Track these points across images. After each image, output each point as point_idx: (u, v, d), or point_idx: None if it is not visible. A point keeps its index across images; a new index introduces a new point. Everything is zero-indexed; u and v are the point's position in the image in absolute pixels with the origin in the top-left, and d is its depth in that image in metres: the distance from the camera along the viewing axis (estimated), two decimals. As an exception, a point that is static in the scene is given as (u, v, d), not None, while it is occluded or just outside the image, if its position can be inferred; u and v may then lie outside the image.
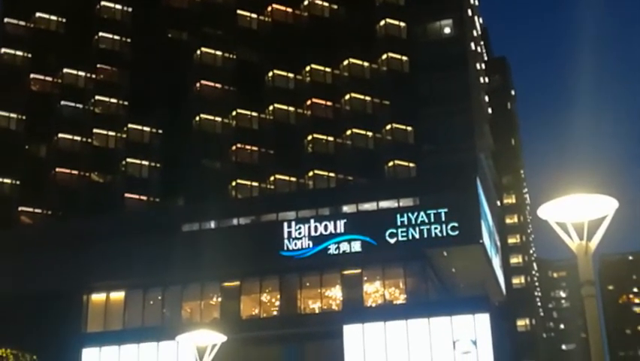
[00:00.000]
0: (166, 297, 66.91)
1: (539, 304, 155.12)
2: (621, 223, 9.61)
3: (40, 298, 62.09)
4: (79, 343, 63.51)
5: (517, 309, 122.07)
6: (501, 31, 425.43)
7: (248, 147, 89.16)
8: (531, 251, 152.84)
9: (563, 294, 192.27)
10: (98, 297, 67.87)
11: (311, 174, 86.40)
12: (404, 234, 63.63)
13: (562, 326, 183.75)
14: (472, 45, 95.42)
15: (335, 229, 64.97)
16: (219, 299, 65.92)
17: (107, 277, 66.49)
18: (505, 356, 67.85)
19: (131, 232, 68.14)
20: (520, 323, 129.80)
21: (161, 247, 65.26)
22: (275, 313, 65.46)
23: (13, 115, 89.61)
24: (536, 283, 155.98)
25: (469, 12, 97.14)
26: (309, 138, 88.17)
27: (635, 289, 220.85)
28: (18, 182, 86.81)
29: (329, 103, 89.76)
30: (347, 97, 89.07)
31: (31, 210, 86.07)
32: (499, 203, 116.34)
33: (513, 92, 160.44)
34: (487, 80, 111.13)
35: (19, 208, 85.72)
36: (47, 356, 47.88)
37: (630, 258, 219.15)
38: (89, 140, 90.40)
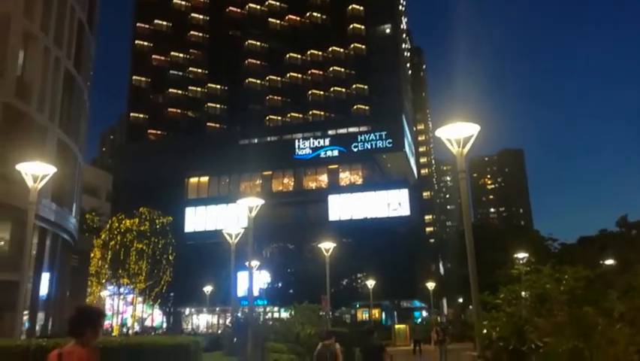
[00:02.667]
0: (230, 180, 67.29)
1: (435, 183, 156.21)
2: (482, 137, 9.55)
3: (160, 182, 62.39)
4: (183, 205, 64.37)
5: (423, 186, 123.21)
6: (419, 25, 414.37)
7: (275, 97, 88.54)
8: (432, 155, 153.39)
9: (448, 178, 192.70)
10: (193, 180, 68.25)
11: (311, 112, 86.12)
12: (362, 146, 63.73)
13: (447, 196, 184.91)
14: (402, 38, 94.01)
15: (324, 143, 65.02)
16: (260, 181, 66.33)
17: (198, 169, 66.77)
18: (416, 212, 68.55)
19: (211, 144, 68.30)
20: (425, 194, 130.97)
21: (227, 152, 65.34)
22: (290, 189, 66.03)
23: (143, 78, 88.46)
24: (434, 172, 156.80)
25: (401, 18, 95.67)
26: (310, 92, 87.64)
27: (489, 176, 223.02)
28: (147, 116, 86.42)
29: (321, 72, 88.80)
30: (331, 69, 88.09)
31: (154, 132, 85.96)
32: (414, 128, 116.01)
33: (424, 66, 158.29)
34: (409, 57, 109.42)
35: (148, 131, 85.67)
36: (167, 212, 48.23)
37: (486, 158, 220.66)
38: (186, 93, 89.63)
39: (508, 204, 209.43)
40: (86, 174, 36.28)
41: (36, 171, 12.16)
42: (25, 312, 19.30)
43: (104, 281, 45.41)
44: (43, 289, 24.94)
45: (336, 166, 65.02)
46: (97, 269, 44.24)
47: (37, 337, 19.88)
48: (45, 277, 25.06)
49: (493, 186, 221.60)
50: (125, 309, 49.50)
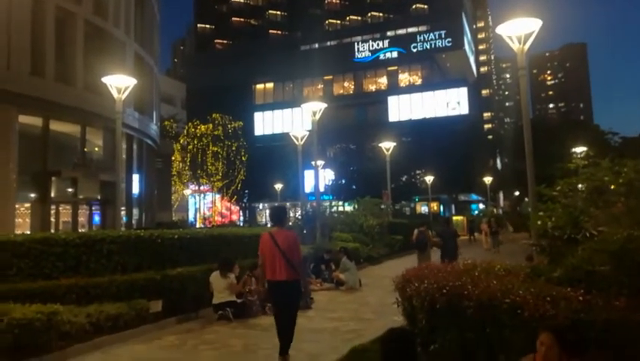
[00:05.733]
0: (294, 85, 66.99)
1: (494, 81, 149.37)
2: (544, 32, 8.93)
3: (229, 89, 63.03)
4: (252, 109, 65.09)
5: (482, 84, 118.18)
6: None
7: (334, 0, 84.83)
8: (491, 52, 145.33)
9: (508, 75, 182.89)
10: (260, 86, 68.40)
11: (369, 14, 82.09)
12: (421, 46, 61.12)
13: (507, 93, 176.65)
14: None
15: (383, 45, 62.78)
16: (322, 86, 65.63)
17: (264, 75, 66.60)
18: (475, 110, 66.34)
19: (275, 50, 67.26)
20: (484, 92, 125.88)
21: (290, 58, 64.55)
22: (351, 92, 65.11)
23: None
24: (493, 70, 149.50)
25: None
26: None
27: (549, 72, 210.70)
28: (213, 26, 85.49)
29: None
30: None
31: (220, 41, 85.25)
32: (474, 26, 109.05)
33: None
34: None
35: (215, 41, 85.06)
36: (237, 117, 49.23)
37: (547, 54, 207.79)
38: (248, 1, 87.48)
39: (568, 99, 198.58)
40: (161, 84, 37.14)
41: (119, 83, 12.56)
42: (122, 208, 20.86)
43: (185, 181, 47.97)
44: (135, 189, 26.72)
45: (395, 68, 62.98)
46: (178, 170, 46.65)
47: (135, 228, 21.65)
48: (135, 178, 26.74)
49: (553, 81, 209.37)
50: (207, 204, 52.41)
